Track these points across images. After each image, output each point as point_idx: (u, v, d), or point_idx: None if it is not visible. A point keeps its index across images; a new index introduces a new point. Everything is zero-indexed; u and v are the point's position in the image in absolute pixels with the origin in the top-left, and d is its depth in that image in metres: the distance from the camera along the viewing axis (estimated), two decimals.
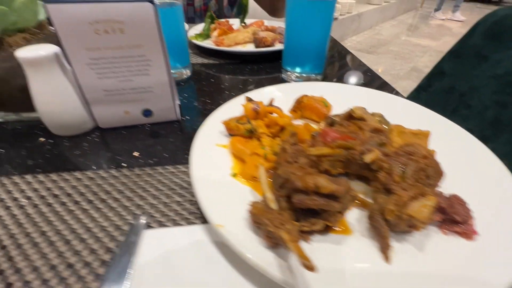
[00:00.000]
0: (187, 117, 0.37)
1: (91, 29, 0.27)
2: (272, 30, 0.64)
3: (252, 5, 0.90)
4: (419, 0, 5.66)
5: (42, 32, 0.34)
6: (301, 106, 0.33)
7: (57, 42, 0.27)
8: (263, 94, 0.36)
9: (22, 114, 0.35)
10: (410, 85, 2.42)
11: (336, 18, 3.27)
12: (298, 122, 0.32)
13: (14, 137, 0.33)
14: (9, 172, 0.27)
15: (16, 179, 0.26)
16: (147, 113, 0.34)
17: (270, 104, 0.32)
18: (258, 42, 0.56)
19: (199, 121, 0.34)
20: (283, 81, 0.48)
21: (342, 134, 0.24)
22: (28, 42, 0.31)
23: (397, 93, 0.44)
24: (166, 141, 0.32)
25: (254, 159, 0.25)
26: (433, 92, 0.71)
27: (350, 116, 0.27)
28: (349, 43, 3.51)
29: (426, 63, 2.88)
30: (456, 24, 4.52)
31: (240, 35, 0.59)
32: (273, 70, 0.52)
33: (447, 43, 3.52)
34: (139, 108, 0.33)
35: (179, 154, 0.30)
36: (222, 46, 0.55)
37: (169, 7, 0.39)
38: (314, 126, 0.32)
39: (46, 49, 0.28)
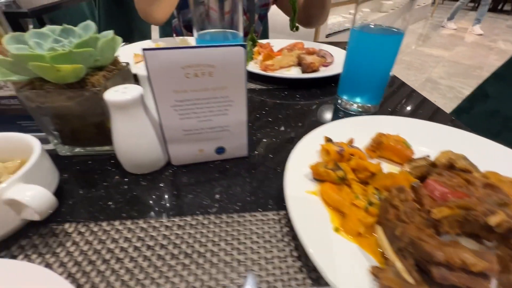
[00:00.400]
0: (256, 152, 0.36)
1: (182, 73, 0.26)
2: (313, 52, 0.64)
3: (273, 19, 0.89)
4: (429, 10, 5.66)
5: (116, 67, 0.34)
6: (380, 147, 0.32)
7: (131, 77, 0.27)
8: (332, 130, 0.35)
9: (93, 149, 0.35)
10: (427, 96, 2.39)
11: (348, 29, 3.27)
12: (374, 161, 0.31)
13: (87, 174, 0.32)
14: (95, 217, 0.27)
15: (104, 225, 0.26)
16: (220, 150, 0.33)
17: (350, 144, 0.31)
18: (305, 67, 0.55)
19: (267, 157, 0.33)
20: (337, 109, 0.47)
21: (452, 189, 0.22)
22: (107, 79, 0.31)
23: (453, 120, 0.43)
24: (242, 181, 0.31)
25: (354, 211, 0.24)
26: (475, 114, 0.69)
27: (450, 166, 0.26)
28: None
29: (440, 74, 2.85)
30: (468, 34, 4.49)
31: (284, 59, 0.59)
32: (325, 97, 0.51)
33: (460, 53, 3.50)
34: (213, 146, 0.33)
35: (260, 196, 0.29)
36: (270, 71, 0.55)
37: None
38: (395, 167, 0.31)
39: (132, 92, 0.27)
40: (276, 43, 0.71)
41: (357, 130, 0.36)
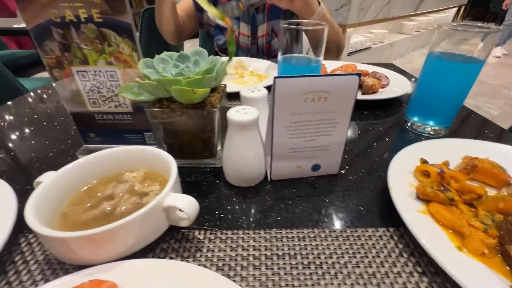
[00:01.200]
0: (343, 170, 0.38)
1: (302, 98, 0.29)
2: (367, 74, 0.67)
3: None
4: None
5: (221, 88, 0.37)
6: (475, 170, 0.33)
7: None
8: (417, 151, 0.37)
9: (196, 161, 0.38)
10: None
11: (369, 48, 3.33)
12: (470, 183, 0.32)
13: (196, 185, 0.35)
14: (218, 226, 0.29)
15: (229, 233, 0.28)
16: (316, 167, 0.36)
17: (447, 166, 0.33)
18: (367, 89, 0.58)
19: (356, 174, 0.36)
20: (404, 130, 0.49)
21: None
22: (219, 100, 0.34)
23: None
24: (341, 197, 0.33)
25: (473, 231, 0.25)
26: None
27: None
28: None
29: None
30: (494, 53, 4.41)
31: None
32: (388, 117, 0.53)
33: (485, 73, 3.45)
34: (311, 163, 0.35)
35: (364, 212, 0.31)
36: None
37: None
38: (491, 190, 0.33)
39: (252, 113, 0.31)
40: (328, 64, 0.75)
41: (440, 152, 0.37)
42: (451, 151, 0.37)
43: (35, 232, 0.21)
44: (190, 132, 0.35)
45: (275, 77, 0.28)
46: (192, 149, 0.37)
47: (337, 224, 0.29)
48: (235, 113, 0.31)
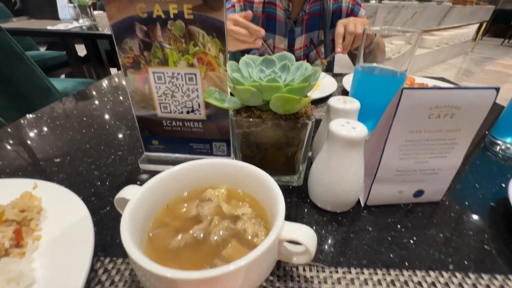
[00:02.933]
0: (446, 195, 0.33)
1: (427, 113, 0.25)
2: (426, 87, 0.62)
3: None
4: (469, 45, 5.55)
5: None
6: None
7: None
8: None
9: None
10: None
11: (389, 58, 3.27)
12: None
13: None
14: (348, 262, 0.24)
15: (343, 271, 0.23)
16: (418, 193, 0.31)
17: None
18: None
19: (460, 204, 0.31)
20: (489, 150, 0.43)
21: None
22: (311, 108, 0.30)
23: None
24: (454, 230, 0.28)
25: None
26: None
27: None
28: None
29: None
30: None
31: None
32: None
33: (510, 90, 3.33)
34: (414, 188, 0.30)
35: (484, 254, 0.26)
36: None
37: None
38: None
39: (361, 129, 0.26)
40: None
41: None
42: None
43: (140, 267, 0.17)
44: (276, 145, 0.31)
45: (403, 88, 0.23)
46: (273, 164, 0.33)
47: (468, 267, 0.24)
48: (341, 127, 0.26)
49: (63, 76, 2.06)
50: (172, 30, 0.29)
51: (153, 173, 0.35)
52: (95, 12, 2.36)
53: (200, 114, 0.34)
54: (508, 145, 0.42)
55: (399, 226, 0.29)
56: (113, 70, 2.00)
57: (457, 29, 4.58)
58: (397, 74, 0.40)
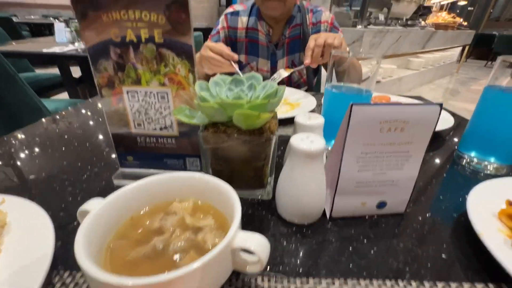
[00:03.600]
0: (411, 206, 0.34)
1: (378, 127, 0.27)
2: None
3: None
4: (454, 67, 5.81)
5: (275, 116, 0.35)
6: None
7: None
8: (494, 190, 0.33)
9: (242, 192, 0.35)
10: None
11: (379, 81, 3.40)
12: None
13: (248, 219, 0.31)
14: (293, 271, 0.25)
15: (311, 283, 0.24)
16: (381, 205, 0.32)
17: None
18: None
19: (423, 215, 0.32)
20: (457, 164, 0.45)
21: None
22: (275, 123, 0.32)
23: None
24: (415, 241, 0.29)
25: None
26: None
27: None
28: None
29: None
30: None
31: None
32: (434, 150, 0.50)
33: None
34: (376, 200, 0.31)
35: (448, 262, 0.26)
36: None
37: None
38: None
39: (319, 142, 0.28)
40: None
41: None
42: None
43: (91, 277, 0.18)
44: (243, 159, 0.32)
45: (352, 104, 0.25)
46: (242, 178, 0.34)
47: (424, 275, 0.25)
48: (300, 141, 0.28)
49: (57, 97, 2.09)
50: (144, 52, 0.31)
51: None
52: None
53: (172, 130, 0.36)
54: (473, 159, 0.44)
55: (361, 237, 0.29)
56: None
57: (442, 52, 4.82)
58: (362, 92, 0.42)
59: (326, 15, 0.92)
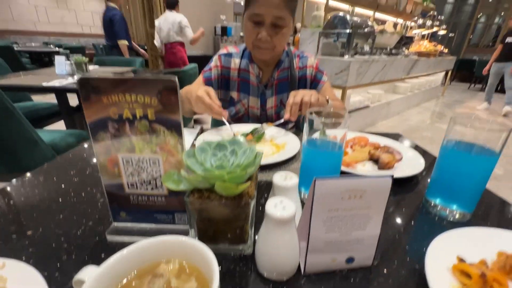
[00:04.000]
0: (379, 258, 0.37)
1: (340, 195, 0.31)
2: (378, 147, 0.70)
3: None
4: (440, 90, 6.08)
5: (256, 176, 0.39)
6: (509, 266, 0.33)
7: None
8: (451, 242, 0.37)
9: (225, 247, 0.38)
10: None
11: (368, 106, 3.54)
12: None
13: (227, 275, 0.34)
14: None
15: None
16: (350, 260, 0.35)
17: (485, 266, 0.33)
18: (383, 165, 0.60)
19: (389, 267, 0.35)
20: (426, 211, 0.49)
21: None
22: (253, 188, 0.36)
23: None
24: None
25: None
26: None
27: None
28: (381, 127, 3.67)
29: None
30: (484, 113, 4.66)
31: (359, 156, 0.65)
32: (405, 194, 0.54)
33: None
34: (345, 256, 0.35)
35: None
36: (352, 167, 0.60)
37: None
38: None
39: (290, 208, 0.32)
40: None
41: (472, 245, 0.37)
42: (484, 244, 0.37)
43: None
44: (225, 219, 0.36)
45: (315, 179, 0.30)
46: (224, 235, 0.37)
47: None
48: (274, 208, 0.32)
49: (54, 126, 2.12)
50: (139, 127, 0.35)
51: (119, 245, 0.39)
52: (91, 67, 2.54)
53: (163, 190, 0.40)
54: (438, 206, 0.48)
55: None
56: None
57: (426, 77, 5.06)
58: (335, 149, 0.47)
59: (311, 61, 1.00)
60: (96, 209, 0.48)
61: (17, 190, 0.53)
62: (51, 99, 1.98)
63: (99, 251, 0.38)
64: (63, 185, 0.55)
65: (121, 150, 0.37)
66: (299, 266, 0.35)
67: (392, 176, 0.31)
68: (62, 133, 1.62)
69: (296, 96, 0.73)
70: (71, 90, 1.80)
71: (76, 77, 1.94)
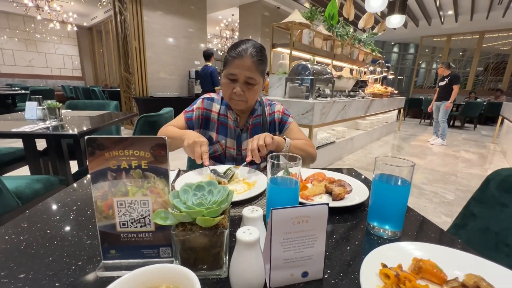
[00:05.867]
0: (328, 271, 0.47)
1: (291, 221, 0.42)
2: (334, 181, 0.84)
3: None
4: (396, 125, 6.78)
5: (229, 210, 0.49)
6: (421, 270, 0.44)
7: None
8: (380, 255, 0.48)
9: (205, 272, 0.45)
10: (414, 201, 2.60)
11: (334, 142, 3.86)
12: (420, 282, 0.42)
13: None
14: None
15: None
16: (305, 274, 0.45)
17: (401, 269, 0.44)
18: (335, 196, 0.73)
19: (336, 278, 0.44)
20: (368, 232, 0.61)
21: None
22: (227, 220, 0.45)
23: (460, 243, 0.57)
24: None
25: None
26: (470, 230, 0.84)
27: (477, 286, 0.38)
28: (347, 161, 3.95)
29: (422, 180, 3.18)
30: (435, 145, 5.24)
31: (317, 189, 0.77)
32: (354, 220, 0.66)
33: (433, 161, 4.01)
34: (300, 271, 0.44)
35: None
36: (311, 200, 0.72)
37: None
38: (435, 286, 0.43)
39: (255, 233, 0.41)
40: (303, 172, 0.92)
41: (396, 255, 0.49)
42: (404, 254, 0.49)
43: None
44: (204, 247, 0.44)
45: (272, 209, 0.40)
46: (204, 261, 0.45)
47: None
48: (243, 234, 0.41)
49: (17, 171, 2.03)
50: (133, 175, 0.44)
51: (109, 279, 0.44)
52: (64, 111, 2.54)
53: (150, 226, 0.47)
54: (375, 227, 0.60)
55: None
56: (73, 163, 2.04)
57: (382, 114, 5.68)
58: (292, 184, 0.58)
59: (279, 107, 1.19)
60: (84, 250, 0.52)
61: (1, 237, 0.56)
62: (13, 143, 1.92)
63: (91, 286, 0.43)
64: (48, 231, 0.59)
65: (116, 195, 0.45)
66: (265, 282, 0.43)
67: (327, 204, 0.43)
68: (28, 179, 1.57)
69: (252, 142, 0.89)
70: (41, 136, 1.79)
71: (48, 122, 1.94)
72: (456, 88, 4.79)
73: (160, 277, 0.39)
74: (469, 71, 9.76)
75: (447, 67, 4.94)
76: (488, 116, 8.36)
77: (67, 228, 0.60)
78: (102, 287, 0.40)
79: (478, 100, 7.87)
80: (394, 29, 8.80)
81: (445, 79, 4.94)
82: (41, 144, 2.01)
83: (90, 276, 0.46)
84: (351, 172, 1.03)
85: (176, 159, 3.51)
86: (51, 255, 0.51)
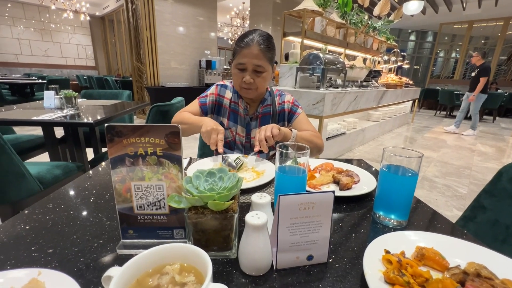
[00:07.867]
0: (333, 256, 0.49)
1: (298, 207, 0.44)
2: (341, 171, 0.85)
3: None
4: (409, 117, 6.60)
5: (238, 196, 0.51)
6: (423, 258, 0.45)
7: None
8: (382, 243, 0.50)
9: (215, 253, 0.48)
10: (425, 194, 2.57)
11: (344, 133, 3.82)
12: (422, 268, 0.44)
13: (216, 276, 0.44)
14: None
15: None
16: (310, 257, 0.47)
17: (403, 255, 0.45)
18: (343, 186, 0.74)
19: (340, 262, 0.46)
20: (374, 221, 0.62)
21: None
22: (236, 205, 0.48)
23: (465, 234, 0.58)
24: (330, 282, 0.43)
25: None
26: (479, 222, 0.84)
27: (478, 274, 0.40)
28: (358, 153, 3.91)
29: (434, 173, 3.12)
30: (450, 137, 5.09)
31: (325, 179, 0.78)
32: (360, 210, 0.67)
33: (447, 154, 3.92)
34: (305, 254, 0.47)
35: None
36: (318, 189, 0.74)
37: None
38: (437, 273, 0.44)
39: (263, 218, 0.44)
40: (311, 162, 0.94)
41: (400, 242, 0.50)
42: (407, 242, 0.50)
43: None
44: (215, 230, 0.47)
45: (280, 195, 0.42)
46: (214, 243, 0.48)
47: None
48: (251, 218, 0.44)
49: (38, 158, 2.13)
50: (149, 161, 0.47)
51: (128, 256, 0.48)
52: (79, 100, 2.62)
53: (165, 209, 0.50)
54: (381, 216, 0.61)
55: (296, 282, 0.43)
56: (89, 151, 2.13)
57: (396, 105, 5.53)
58: (300, 173, 0.60)
59: (289, 97, 1.20)
60: (104, 230, 0.57)
61: (29, 218, 0.61)
62: (32, 131, 2.01)
63: (112, 262, 0.47)
64: (71, 212, 0.63)
65: (134, 179, 0.48)
66: (272, 264, 0.46)
67: (333, 191, 0.45)
68: (48, 165, 1.65)
69: (260, 132, 0.91)
70: (59, 124, 1.86)
71: (65, 111, 2.01)
72: (483, 80, 4.59)
73: (175, 255, 0.42)
74: (490, 60, 9.28)
75: (483, 56, 4.71)
76: (509, 108, 7.99)
77: (88, 210, 0.64)
78: (122, 262, 0.44)
79: (499, 91, 7.51)
80: (412, 15, 8.42)
81: (476, 70, 4.75)
82: (58, 132, 2.10)
83: (111, 253, 0.49)
84: (361, 163, 1.03)
85: (188, 148, 3.58)
86: (75, 234, 0.55)
